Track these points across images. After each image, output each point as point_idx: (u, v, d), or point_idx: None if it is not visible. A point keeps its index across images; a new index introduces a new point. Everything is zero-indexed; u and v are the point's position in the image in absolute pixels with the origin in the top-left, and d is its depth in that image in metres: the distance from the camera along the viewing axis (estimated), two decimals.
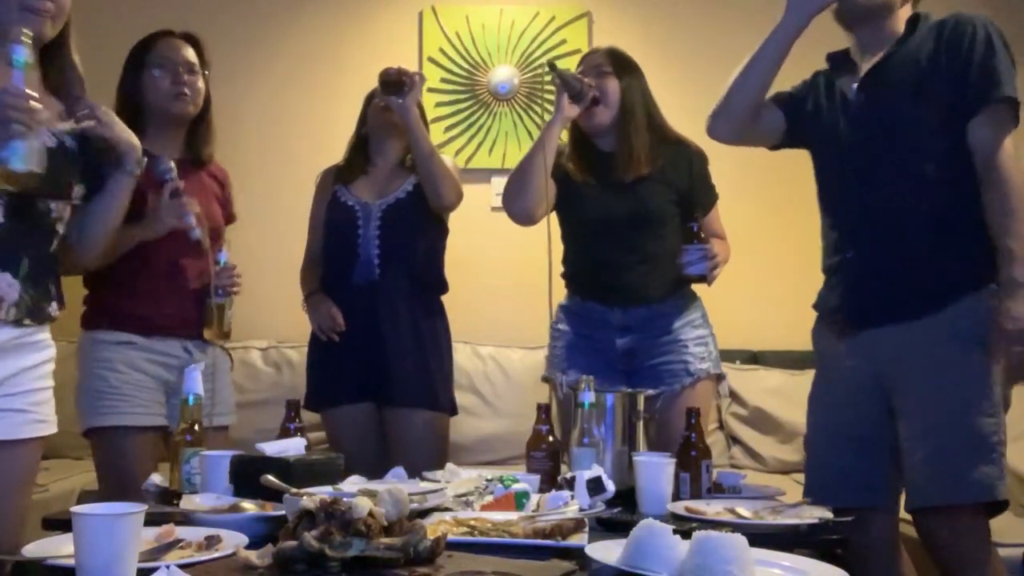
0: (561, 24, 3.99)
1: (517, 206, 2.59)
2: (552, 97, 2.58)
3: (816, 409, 2.20)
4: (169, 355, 2.43)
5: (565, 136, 2.76)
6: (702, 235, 2.48)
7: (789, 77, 2.21)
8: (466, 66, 3.98)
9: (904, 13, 2.10)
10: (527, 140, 3.95)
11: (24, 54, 1.72)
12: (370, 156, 2.82)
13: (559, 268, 2.71)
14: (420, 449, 2.59)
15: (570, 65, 2.71)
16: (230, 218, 2.67)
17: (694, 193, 2.61)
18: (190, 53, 2.50)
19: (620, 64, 2.61)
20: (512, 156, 3.94)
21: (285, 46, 3.91)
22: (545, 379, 2.72)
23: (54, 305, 1.94)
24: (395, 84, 2.65)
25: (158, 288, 2.43)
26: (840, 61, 2.19)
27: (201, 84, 2.50)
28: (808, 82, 2.26)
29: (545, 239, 2.75)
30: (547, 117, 2.62)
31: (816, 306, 2.21)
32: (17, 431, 1.86)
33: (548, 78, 2.57)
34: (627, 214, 2.54)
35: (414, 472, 2.18)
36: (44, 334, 1.94)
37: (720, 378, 2.65)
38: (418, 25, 4.00)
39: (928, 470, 1.90)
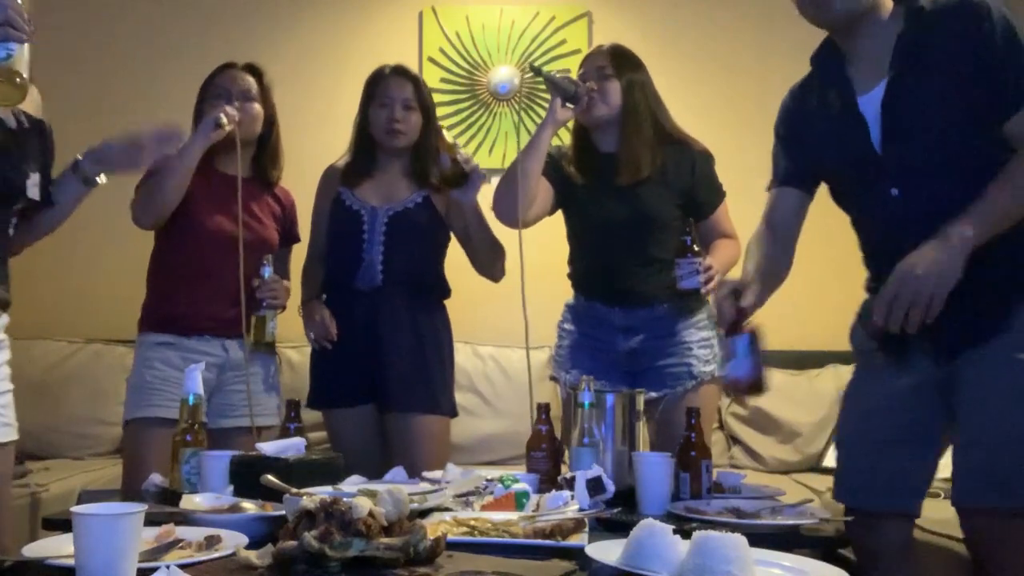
0: (561, 24, 3.99)
1: (505, 210, 2.57)
2: (550, 98, 2.56)
3: (852, 408, 2.06)
4: (207, 354, 2.51)
5: (567, 139, 2.76)
6: (695, 248, 2.44)
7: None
8: (466, 66, 3.98)
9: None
10: (527, 140, 3.94)
11: None
12: (376, 157, 2.77)
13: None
14: (421, 452, 2.58)
15: (571, 65, 2.70)
16: (289, 239, 2.80)
17: (697, 194, 2.60)
18: (247, 82, 2.65)
19: (622, 63, 2.58)
20: (512, 156, 3.92)
21: (285, 46, 3.91)
22: (552, 378, 2.72)
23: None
24: (458, 176, 2.54)
25: (194, 291, 2.57)
26: (827, 60, 1.99)
27: (257, 109, 2.64)
28: (795, 121, 2.08)
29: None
30: None
31: (867, 325, 2.00)
32: None
33: (542, 79, 2.55)
34: (628, 217, 2.54)
35: (415, 474, 2.19)
36: (3, 333, 1.98)
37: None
38: (418, 25, 4.01)
39: (983, 472, 1.78)
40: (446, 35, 4.00)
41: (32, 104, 1.99)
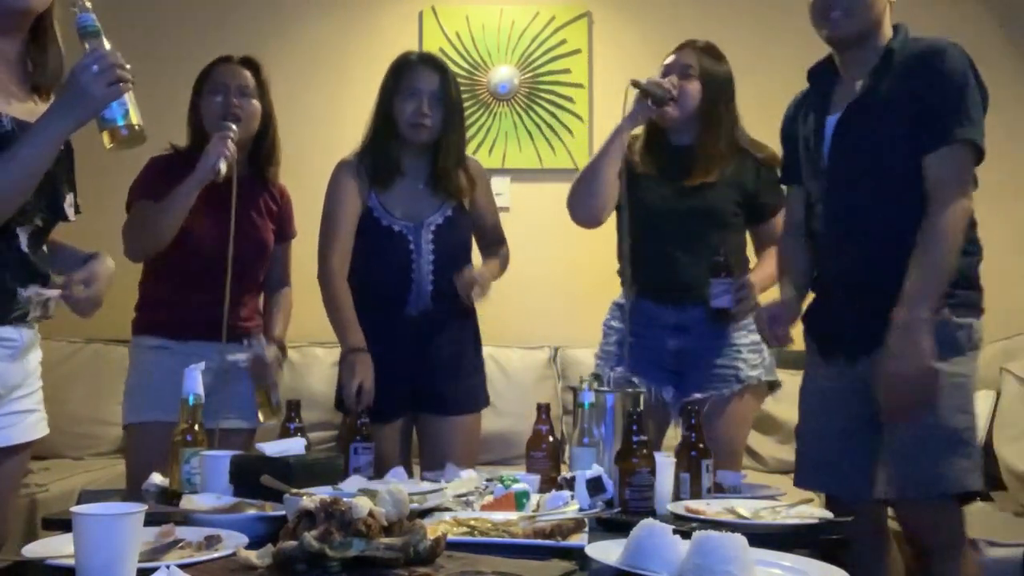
0: (561, 24, 3.99)
1: (585, 209, 2.52)
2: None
3: (806, 400, 2.28)
4: (203, 358, 2.45)
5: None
6: (728, 268, 2.42)
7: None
8: (466, 66, 3.98)
9: (887, 27, 2.09)
10: (527, 140, 3.95)
11: (94, 19, 1.76)
12: (399, 154, 2.58)
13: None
14: (457, 451, 2.53)
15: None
16: (285, 236, 2.74)
17: (760, 196, 2.57)
18: (244, 77, 2.57)
19: (707, 64, 2.55)
20: (512, 156, 3.95)
21: (284, 46, 3.91)
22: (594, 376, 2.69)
23: None
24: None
25: (188, 296, 2.53)
26: (821, 76, 2.20)
27: (255, 107, 2.57)
28: (789, 126, 2.30)
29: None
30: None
31: (806, 321, 2.27)
32: (31, 432, 1.88)
33: (628, 92, 2.49)
34: (690, 211, 2.50)
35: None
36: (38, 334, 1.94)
37: (773, 386, 2.64)
38: (418, 25, 4.01)
39: (906, 465, 1.99)
40: (446, 35, 4.00)
41: None
